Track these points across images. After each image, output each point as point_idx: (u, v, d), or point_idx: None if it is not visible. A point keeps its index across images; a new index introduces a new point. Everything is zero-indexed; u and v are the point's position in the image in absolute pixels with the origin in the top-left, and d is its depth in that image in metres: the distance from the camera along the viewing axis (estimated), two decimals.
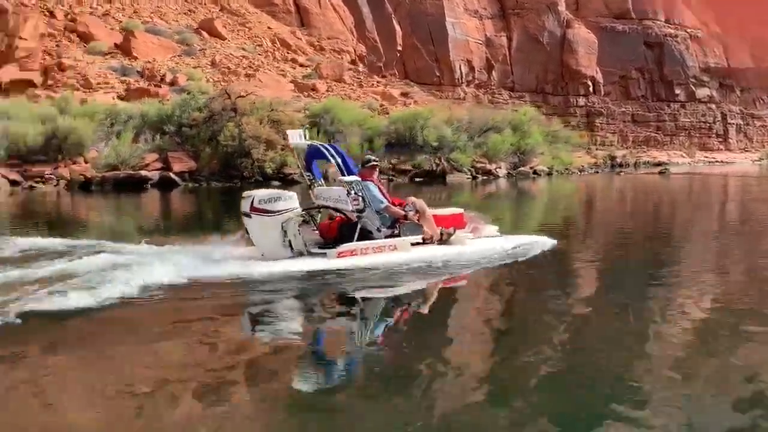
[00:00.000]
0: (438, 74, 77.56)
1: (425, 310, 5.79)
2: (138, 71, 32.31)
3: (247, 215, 6.93)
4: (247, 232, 7.14)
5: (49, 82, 30.18)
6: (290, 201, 6.99)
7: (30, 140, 22.99)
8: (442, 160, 26.60)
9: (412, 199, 7.80)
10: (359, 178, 7.29)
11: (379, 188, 7.55)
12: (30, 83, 30.36)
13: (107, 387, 3.80)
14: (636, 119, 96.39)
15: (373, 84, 42.70)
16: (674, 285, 6.73)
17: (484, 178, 27.53)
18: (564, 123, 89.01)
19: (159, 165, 23.68)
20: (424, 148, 26.55)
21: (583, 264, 8.31)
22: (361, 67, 68.40)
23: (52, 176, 22.90)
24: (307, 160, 8.04)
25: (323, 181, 8.09)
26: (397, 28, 75.08)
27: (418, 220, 7.54)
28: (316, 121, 26.13)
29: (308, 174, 8.00)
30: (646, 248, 9.83)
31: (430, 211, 7.84)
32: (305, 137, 7.79)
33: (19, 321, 4.83)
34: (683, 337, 4.80)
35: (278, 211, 6.89)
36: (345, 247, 7.00)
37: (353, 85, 40.05)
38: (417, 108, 30.11)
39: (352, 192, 7.18)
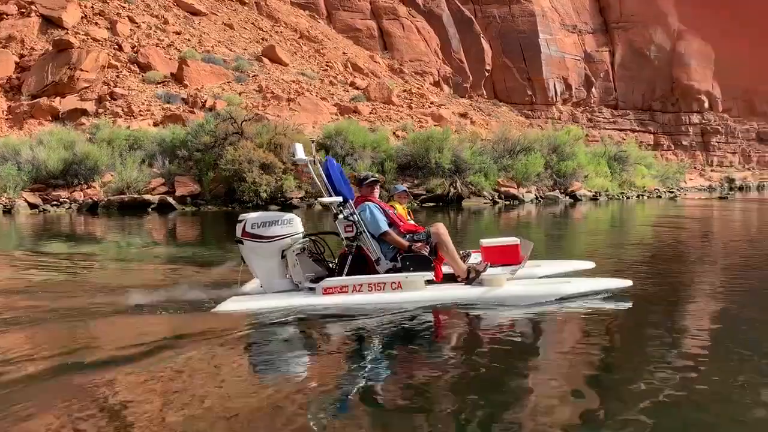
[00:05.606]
0: (530, 93, 74.73)
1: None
2: (183, 98, 33.59)
3: (240, 241, 6.18)
4: (243, 261, 6.35)
5: (100, 110, 32.10)
6: (288, 226, 6.10)
7: (51, 166, 24.35)
8: (458, 184, 25.00)
9: (438, 225, 6.30)
10: (340, 199, 6.08)
11: (383, 210, 6.24)
12: (84, 112, 32.47)
13: None
14: (762, 137, 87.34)
15: (425, 105, 41.56)
16: None
17: (507, 203, 25.50)
18: (675, 143, 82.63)
19: (164, 189, 24.17)
20: (439, 171, 25.11)
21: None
22: (446, 89, 67.64)
23: (67, 200, 24.06)
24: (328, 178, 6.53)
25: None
26: (487, 47, 73.46)
27: (435, 251, 6.13)
28: (327, 143, 25.60)
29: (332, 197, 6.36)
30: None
31: (488, 241, 6.55)
32: (312, 152, 6.70)
33: None
34: None
35: (273, 237, 6.05)
36: (331, 282, 5.91)
37: (402, 106, 39.18)
38: (436, 128, 28.60)
39: (341, 215, 6.04)
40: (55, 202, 24.05)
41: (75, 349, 4.72)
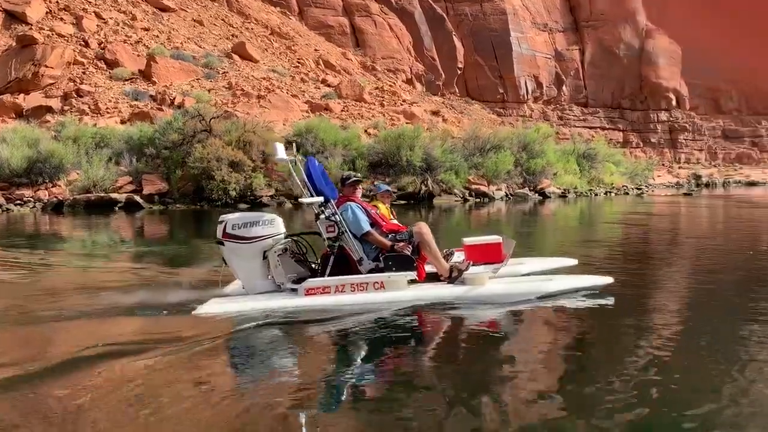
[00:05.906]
0: (501, 91, 75.26)
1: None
2: (151, 95, 33.11)
3: (220, 243, 6.07)
4: (225, 262, 6.25)
5: (65, 107, 31.50)
6: (270, 226, 6.03)
7: (15, 164, 23.79)
8: (429, 182, 25.06)
9: (420, 225, 6.24)
10: (321, 199, 6.01)
11: (365, 210, 6.18)
12: (49, 109, 31.82)
13: None
14: (727, 134, 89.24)
15: (397, 103, 41.59)
16: None
17: (477, 200, 25.66)
18: (643, 140, 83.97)
19: (131, 187, 23.82)
20: (411, 169, 25.12)
21: None
22: (418, 86, 67.75)
23: (31, 199, 23.56)
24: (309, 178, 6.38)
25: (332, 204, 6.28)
26: (459, 45, 73.75)
27: (418, 251, 6.07)
28: (297, 141, 25.41)
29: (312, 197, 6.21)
30: None
31: (470, 240, 6.53)
32: (295, 152, 6.60)
33: None
34: None
35: (255, 238, 5.98)
36: (313, 282, 5.87)
37: (374, 104, 39.14)
38: (407, 126, 28.65)
39: (322, 215, 6.00)
40: (18, 201, 23.51)
41: (41, 354, 4.57)
